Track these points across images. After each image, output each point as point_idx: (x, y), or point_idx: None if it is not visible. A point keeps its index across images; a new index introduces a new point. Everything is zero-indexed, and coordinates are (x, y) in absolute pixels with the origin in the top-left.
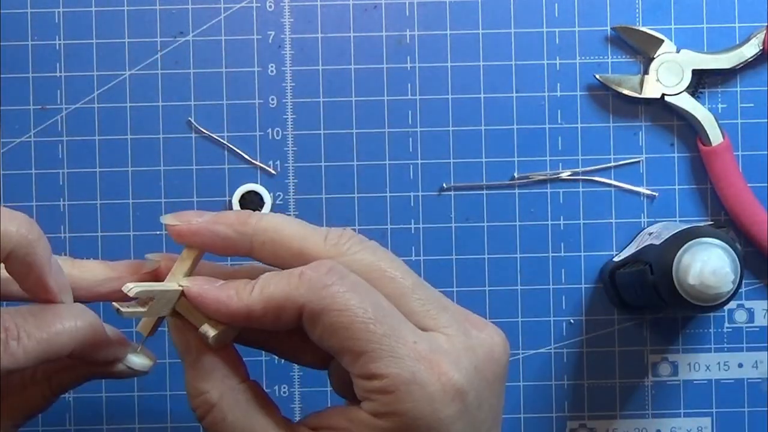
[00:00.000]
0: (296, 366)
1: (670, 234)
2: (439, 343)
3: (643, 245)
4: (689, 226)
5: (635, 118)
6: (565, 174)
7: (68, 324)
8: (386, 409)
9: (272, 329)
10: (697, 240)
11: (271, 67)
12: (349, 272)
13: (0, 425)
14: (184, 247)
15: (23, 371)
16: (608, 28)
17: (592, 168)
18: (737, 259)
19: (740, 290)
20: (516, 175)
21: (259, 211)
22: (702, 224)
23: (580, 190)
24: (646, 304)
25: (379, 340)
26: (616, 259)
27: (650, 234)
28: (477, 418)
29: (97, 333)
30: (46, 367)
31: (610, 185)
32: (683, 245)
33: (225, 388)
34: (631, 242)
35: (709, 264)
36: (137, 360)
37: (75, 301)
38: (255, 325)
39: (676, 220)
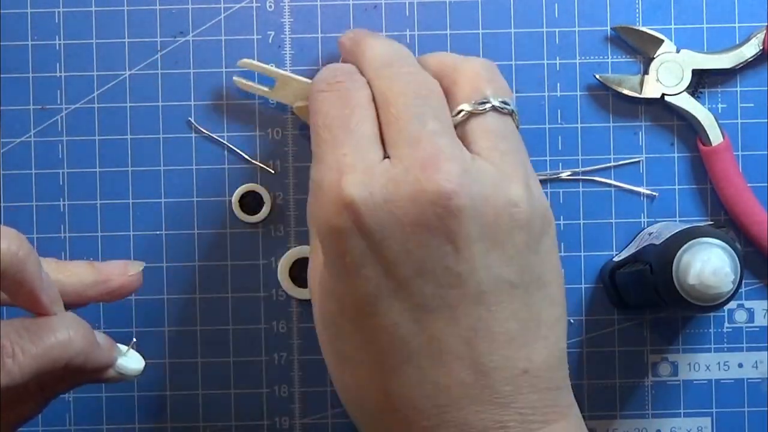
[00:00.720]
0: (296, 366)
1: (670, 234)
2: (372, 164)
3: (643, 245)
4: (689, 226)
5: (635, 118)
6: (565, 174)
7: (61, 336)
8: (310, 210)
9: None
10: (697, 240)
11: (271, 67)
12: (358, 87)
13: None
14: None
15: (18, 386)
16: (608, 28)
17: (592, 168)
18: (737, 258)
19: (740, 290)
20: None
21: (260, 210)
22: (702, 224)
23: (580, 190)
24: (646, 304)
25: (320, 144)
26: (616, 259)
27: (650, 234)
28: (383, 253)
29: (89, 342)
30: (39, 379)
31: (610, 185)
32: (683, 245)
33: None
34: (631, 242)
35: (709, 264)
36: (127, 365)
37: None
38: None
39: (676, 220)
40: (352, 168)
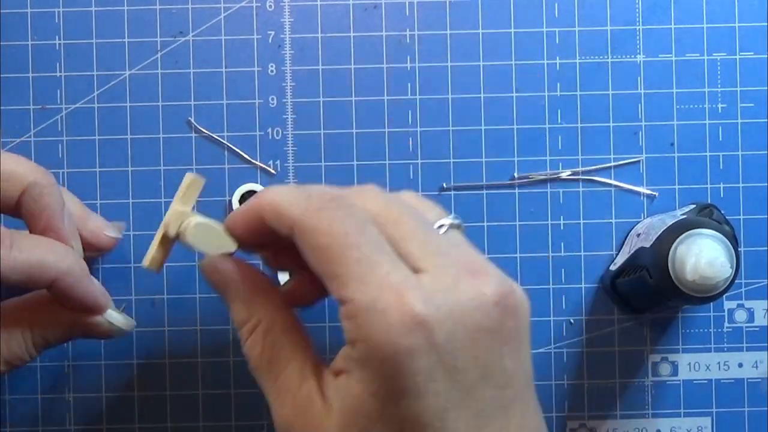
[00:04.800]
0: None
1: (658, 233)
2: (419, 279)
3: (634, 248)
4: (674, 220)
5: (635, 118)
6: (565, 174)
7: (57, 253)
8: (353, 336)
9: (269, 239)
10: (686, 234)
11: (271, 67)
12: (353, 205)
13: None
14: (187, 182)
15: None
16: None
17: (592, 168)
18: (729, 241)
19: (740, 281)
20: (516, 175)
21: None
22: (686, 211)
23: (580, 190)
24: (653, 306)
25: (351, 265)
26: (612, 267)
27: (638, 235)
28: (452, 364)
29: (81, 268)
30: (31, 313)
31: (610, 185)
32: (673, 243)
33: (262, 316)
34: (622, 245)
35: (702, 256)
36: (118, 316)
37: None
38: (253, 236)
39: (659, 214)
40: (407, 285)
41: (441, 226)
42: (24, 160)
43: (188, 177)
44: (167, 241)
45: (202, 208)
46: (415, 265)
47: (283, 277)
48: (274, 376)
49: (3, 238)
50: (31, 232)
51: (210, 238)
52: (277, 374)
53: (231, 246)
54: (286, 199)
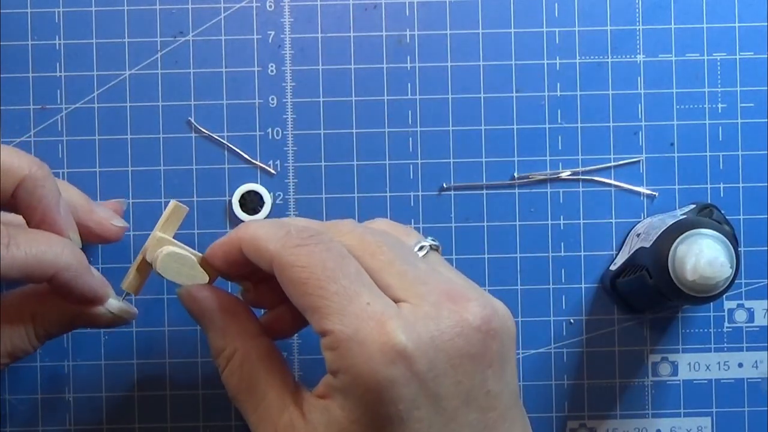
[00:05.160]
0: (296, 366)
1: (658, 233)
2: (399, 309)
3: (634, 249)
4: (674, 220)
5: (635, 118)
6: (565, 174)
7: (56, 247)
8: (334, 366)
9: (248, 271)
10: (686, 234)
11: (271, 67)
12: (331, 239)
13: None
14: (170, 209)
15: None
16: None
17: (592, 168)
18: (729, 241)
19: (740, 281)
20: (516, 175)
21: (260, 210)
22: (686, 211)
23: (580, 190)
24: (653, 306)
25: (330, 297)
26: (612, 267)
27: (638, 235)
28: (434, 391)
29: (80, 262)
30: (33, 306)
31: (610, 185)
32: (673, 243)
33: (238, 345)
34: (622, 245)
35: (702, 256)
36: (120, 305)
37: None
38: (232, 268)
39: (659, 214)
40: (387, 315)
41: (421, 248)
42: (18, 153)
43: (171, 204)
44: (145, 266)
45: (202, 207)
46: (396, 295)
47: None
48: (253, 405)
49: (1, 236)
50: (28, 225)
51: (181, 269)
52: (257, 404)
53: (203, 278)
54: (265, 235)
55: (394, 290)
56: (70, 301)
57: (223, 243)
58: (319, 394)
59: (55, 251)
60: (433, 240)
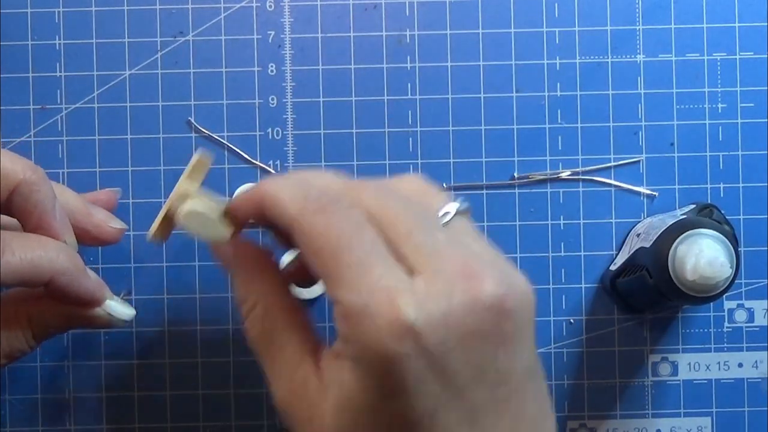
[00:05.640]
0: None
1: (658, 233)
2: (412, 284)
3: (634, 248)
4: (674, 220)
5: (635, 118)
6: (565, 174)
7: (51, 252)
8: (345, 335)
9: (271, 223)
10: (686, 234)
11: (271, 67)
12: (351, 207)
13: None
14: (194, 160)
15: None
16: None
17: (592, 168)
18: (729, 241)
19: (740, 281)
20: (516, 175)
21: None
22: (686, 211)
23: (580, 189)
24: (653, 306)
25: (344, 268)
26: (612, 267)
27: (638, 235)
28: (443, 367)
29: (75, 266)
30: (30, 307)
31: (610, 185)
32: (673, 243)
33: (260, 297)
34: (622, 245)
35: (702, 256)
36: (117, 307)
37: None
38: (256, 220)
39: (659, 214)
40: (398, 290)
41: (446, 214)
42: (13, 157)
43: (196, 155)
44: (170, 217)
45: None
46: (411, 267)
47: (290, 256)
48: (271, 357)
49: None
50: (24, 229)
51: (205, 222)
52: (274, 356)
53: (225, 234)
54: (285, 196)
55: (410, 262)
56: (67, 304)
57: (246, 198)
58: (336, 350)
59: (50, 256)
60: (462, 202)
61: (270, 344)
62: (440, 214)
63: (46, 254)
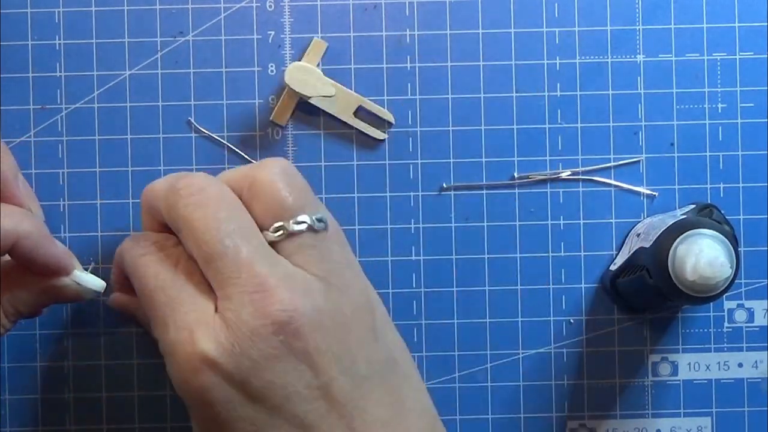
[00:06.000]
0: None
1: (658, 233)
2: (212, 314)
3: (634, 248)
4: (674, 220)
5: (635, 118)
6: (565, 174)
7: (15, 218)
8: (169, 374)
9: None
10: (686, 234)
11: (271, 67)
12: (168, 241)
13: None
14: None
15: None
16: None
17: (592, 168)
18: (729, 241)
19: (740, 281)
20: (516, 175)
21: None
22: (686, 211)
23: (580, 190)
24: (653, 306)
25: (158, 308)
26: (612, 267)
27: (638, 235)
28: (250, 391)
29: (39, 231)
30: None
31: (610, 185)
32: (673, 243)
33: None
34: (622, 245)
35: (702, 256)
36: (85, 276)
37: None
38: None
39: (659, 214)
40: (197, 323)
41: (278, 230)
42: None
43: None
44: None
45: None
46: (218, 294)
47: None
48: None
49: None
50: None
51: (308, 79)
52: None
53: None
54: (127, 241)
55: (215, 288)
56: (35, 272)
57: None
58: None
59: (14, 220)
60: (315, 216)
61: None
62: (273, 228)
63: (10, 219)
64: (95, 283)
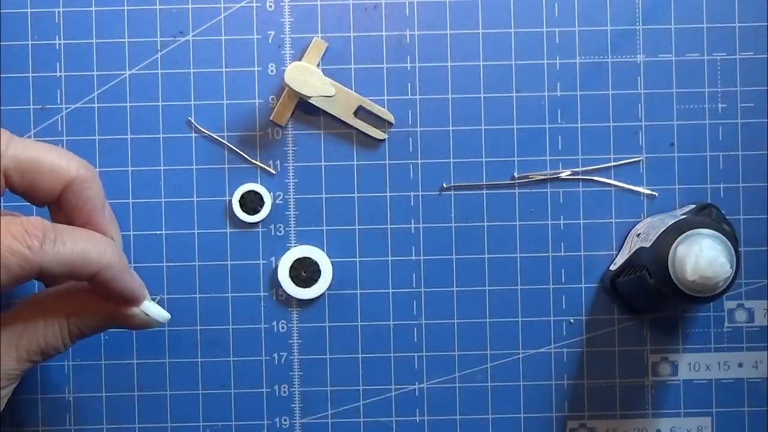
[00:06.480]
0: (296, 366)
1: (658, 233)
2: None
3: (634, 248)
4: (674, 220)
5: (635, 118)
6: (565, 174)
7: (100, 246)
8: None
9: None
10: (686, 234)
11: (271, 66)
12: None
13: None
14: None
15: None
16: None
17: (592, 168)
18: (729, 241)
19: (740, 281)
20: (516, 175)
21: (260, 210)
22: (686, 211)
23: (580, 189)
24: (653, 306)
25: None
26: (612, 267)
27: (638, 235)
28: None
29: (122, 262)
30: (68, 304)
31: (610, 185)
32: (673, 243)
33: None
34: (622, 245)
35: (702, 257)
36: (154, 308)
37: None
38: None
39: (659, 214)
40: None
41: None
42: (67, 155)
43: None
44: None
45: (202, 207)
46: None
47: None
48: None
49: (48, 232)
50: (72, 224)
51: (308, 79)
52: None
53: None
54: None
55: None
56: (109, 300)
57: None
58: None
59: (99, 249)
60: None
61: None
62: None
63: (95, 247)
64: (162, 314)
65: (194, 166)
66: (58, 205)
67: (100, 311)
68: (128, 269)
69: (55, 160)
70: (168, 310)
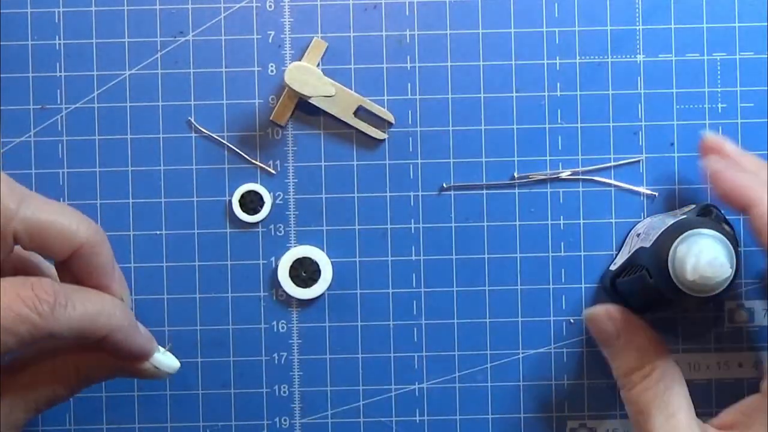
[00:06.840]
0: (296, 366)
1: (658, 233)
2: None
3: (634, 248)
4: (674, 220)
5: (635, 118)
6: (565, 174)
7: (109, 308)
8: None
9: None
10: (686, 234)
11: (271, 66)
12: None
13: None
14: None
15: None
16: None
17: (592, 168)
18: (728, 241)
19: (740, 281)
20: (516, 174)
21: (260, 210)
22: (686, 211)
23: (580, 189)
24: (653, 306)
25: None
26: (612, 267)
27: (638, 235)
28: None
29: (131, 323)
30: (78, 358)
31: (610, 185)
32: (673, 243)
33: (658, 362)
34: (622, 245)
35: (702, 256)
36: (163, 360)
37: None
38: None
39: (659, 214)
40: None
41: None
42: (77, 217)
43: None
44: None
45: (202, 207)
46: None
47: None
48: (660, 422)
49: (59, 296)
50: (81, 284)
51: (308, 79)
52: (665, 420)
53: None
54: None
55: None
56: (118, 358)
57: None
58: (723, 425)
59: (108, 312)
60: None
61: (663, 408)
62: None
63: (104, 310)
64: (172, 365)
65: (194, 166)
66: (66, 268)
67: (109, 365)
68: (136, 327)
69: (65, 225)
70: (169, 314)
